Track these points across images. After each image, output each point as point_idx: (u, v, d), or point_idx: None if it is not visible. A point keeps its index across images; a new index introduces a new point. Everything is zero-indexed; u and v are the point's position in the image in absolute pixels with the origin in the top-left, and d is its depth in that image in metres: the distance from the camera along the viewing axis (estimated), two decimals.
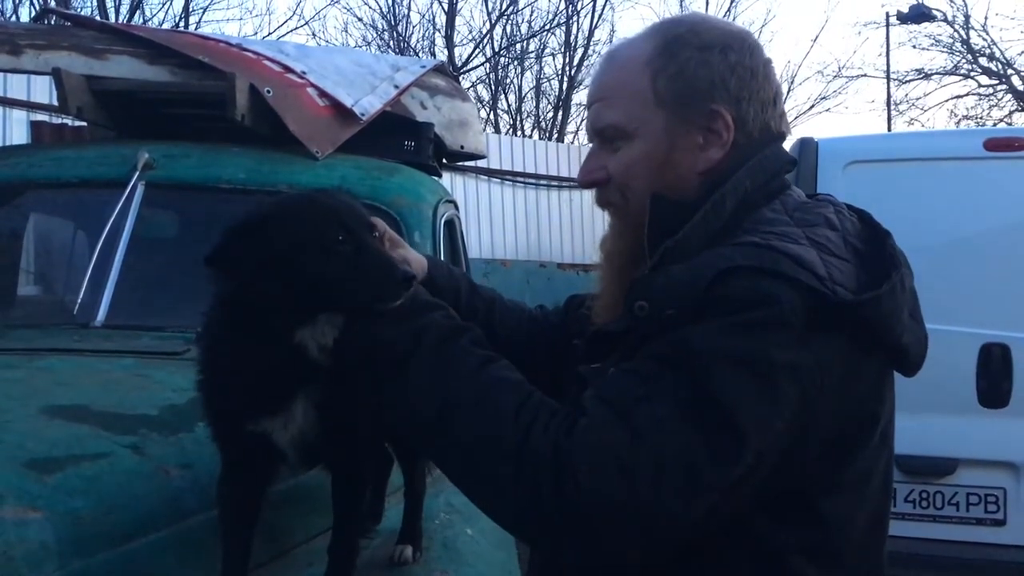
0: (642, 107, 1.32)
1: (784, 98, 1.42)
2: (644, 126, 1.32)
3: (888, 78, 21.60)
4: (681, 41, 1.32)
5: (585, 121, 1.47)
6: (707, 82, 1.30)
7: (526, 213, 12.07)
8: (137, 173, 2.74)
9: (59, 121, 3.46)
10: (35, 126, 3.81)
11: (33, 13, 13.73)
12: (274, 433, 1.39)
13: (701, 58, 1.30)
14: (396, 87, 3.34)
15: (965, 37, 23.07)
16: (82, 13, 11.25)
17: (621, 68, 1.36)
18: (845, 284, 1.17)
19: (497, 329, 1.61)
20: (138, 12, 15.87)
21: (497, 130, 20.28)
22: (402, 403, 1.23)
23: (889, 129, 20.09)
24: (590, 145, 1.42)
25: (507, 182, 11.89)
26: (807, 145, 4.60)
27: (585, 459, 1.08)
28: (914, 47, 28.50)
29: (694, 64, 1.30)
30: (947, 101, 27.22)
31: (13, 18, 13.51)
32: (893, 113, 22.21)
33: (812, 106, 26.45)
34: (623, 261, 1.38)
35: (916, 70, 23.68)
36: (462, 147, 3.71)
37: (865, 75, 28.90)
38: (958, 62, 23.52)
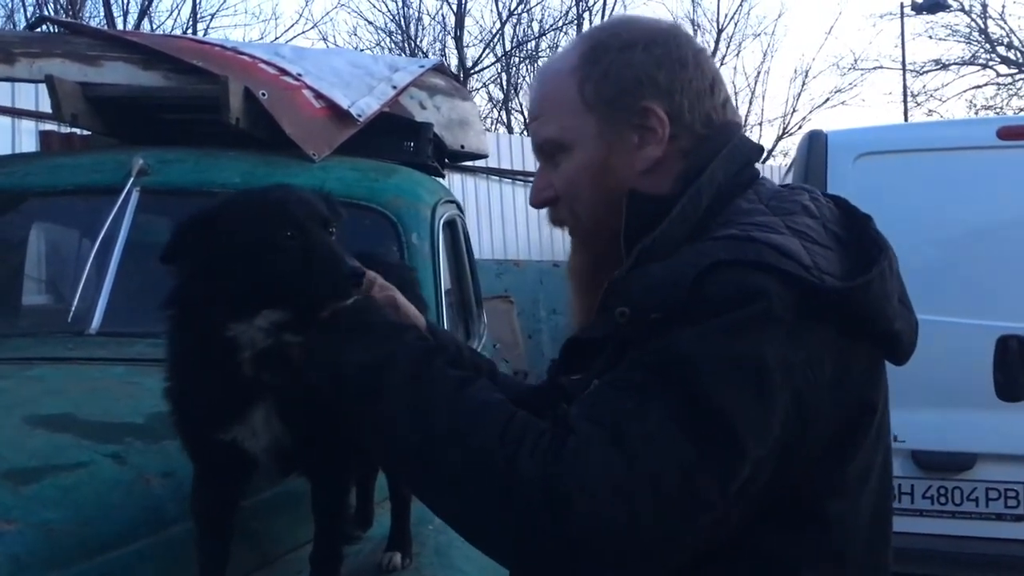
0: (573, 116, 1.29)
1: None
2: (578, 135, 1.29)
3: (904, 69, 21.44)
4: (603, 45, 1.30)
5: None
6: (632, 80, 1.27)
7: (539, 213, 11.92)
8: (132, 179, 2.73)
9: (67, 130, 3.46)
10: (43, 135, 3.82)
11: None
12: (245, 441, 1.36)
13: (624, 57, 1.28)
14: (394, 87, 3.31)
15: (983, 26, 22.88)
16: (83, 22, 11.32)
17: (550, 82, 1.35)
18: (831, 272, 1.13)
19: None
20: (145, 20, 15.96)
21: (510, 130, 20.26)
22: (375, 435, 1.18)
23: (906, 121, 19.92)
24: None
25: (520, 182, 11.85)
26: (816, 138, 4.53)
27: (578, 483, 1.02)
28: (930, 37, 28.36)
29: (618, 64, 1.28)
30: (965, 92, 26.92)
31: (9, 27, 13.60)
32: (911, 105, 22.06)
33: (827, 99, 26.29)
34: (588, 274, 1.34)
35: (933, 61, 23.55)
36: (463, 147, 3.68)
37: (881, 67, 28.59)
38: (976, 52, 23.33)
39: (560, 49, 1.39)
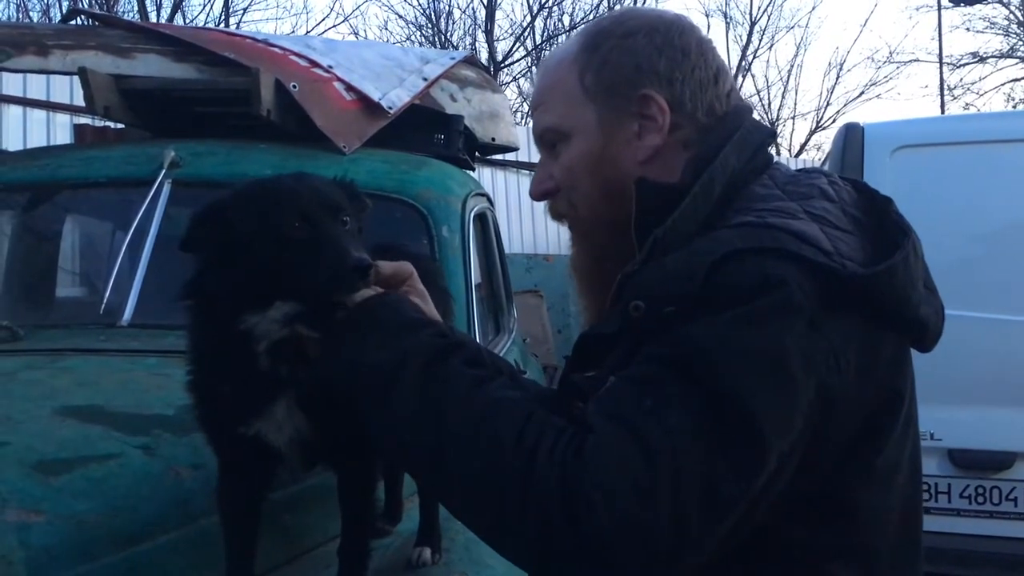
0: (573, 105, 1.28)
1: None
2: (578, 124, 1.27)
3: (941, 62, 21.10)
4: (604, 33, 1.29)
5: None
6: (632, 68, 1.25)
7: None
8: (163, 171, 2.73)
9: (102, 123, 3.48)
10: (78, 129, 3.86)
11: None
12: (268, 434, 1.34)
13: (624, 45, 1.26)
14: (424, 80, 3.30)
15: (1022, 19, 22.45)
16: (118, 13, 11.41)
17: (551, 71, 1.33)
18: (853, 257, 1.09)
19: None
20: (178, 14, 16.08)
21: None
22: (390, 434, 1.15)
23: (943, 115, 19.62)
24: None
25: None
26: (852, 131, 4.46)
27: (598, 483, 0.99)
28: (968, 30, 27.93)
29: (617, 52, 1.26)
30: (1003, 85, 26.47)
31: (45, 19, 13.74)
32: (947, 98, 21.73)
33: (861, 93, 25.96)
34: (590, 269, 1.32)
35: (970, 53, 23.17)
36: (493, 139, 3.65)
37: (917, 60, 28.37)
38: (1014, 44, 22.92)
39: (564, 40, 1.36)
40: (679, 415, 1.01)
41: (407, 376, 1.12)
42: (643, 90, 1.24)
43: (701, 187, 1.19)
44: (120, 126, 3.44)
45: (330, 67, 3.11)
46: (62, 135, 6.81)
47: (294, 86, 2.91)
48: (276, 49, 3.17)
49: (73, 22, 3.76)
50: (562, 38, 21.83)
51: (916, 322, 1.15)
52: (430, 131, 3.29)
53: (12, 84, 6.75)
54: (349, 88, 3.05)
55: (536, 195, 1.35)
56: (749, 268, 1.05)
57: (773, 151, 1.33)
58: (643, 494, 0.98)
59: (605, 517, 0.98)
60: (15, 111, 6.90)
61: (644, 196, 1.22)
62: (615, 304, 1.16)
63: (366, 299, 1.24)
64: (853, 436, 1.10)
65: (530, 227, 11.49)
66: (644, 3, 21.56)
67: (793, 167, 1.30)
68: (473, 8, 21.59)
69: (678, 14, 1.35)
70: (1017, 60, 22.91)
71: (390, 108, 3.06)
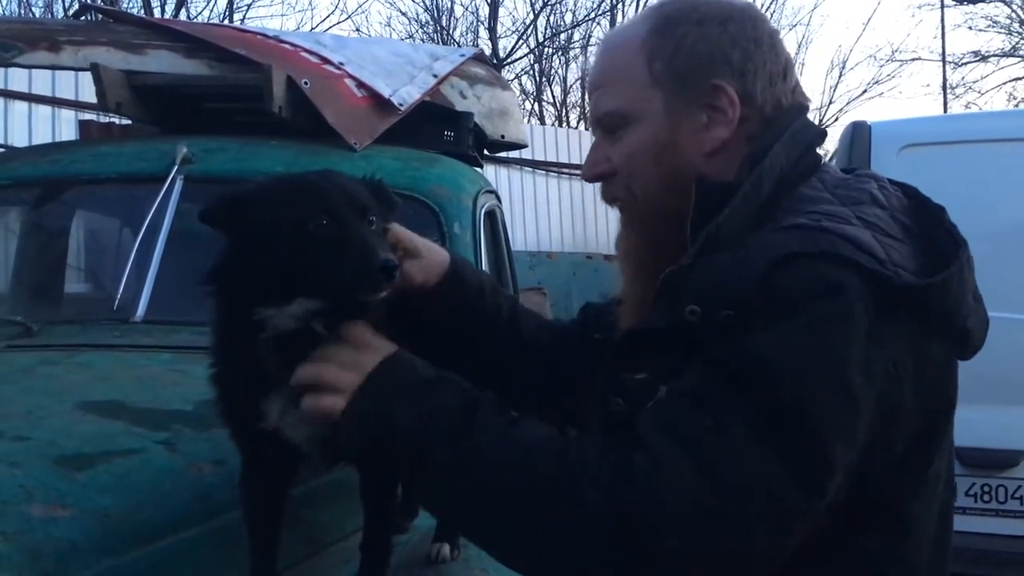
0: (640, 90, 1.24)
1: (798, 70, 1.34)
2: (643, 110, 1.24)
3: (944, 61, 21.11)
4: (677, 18, 1.25)
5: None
6: (706, 56, 1.22)
7: (572, 205, 11.97)
8: (176, 168, 2.73)
9: (107, 120, 3.48)
10: (83, 124, 3.85)
11: (74, 8, 13.90)
12: (287, 430, 1.32)
13: (698, 32, 1.23)
14: (435, 76, 3.30)
15: None
16: (124, 9, 11.40)
17: (616, 53, 1.29)
18: (905, 266, 1.08)
19: (522, 329, 1.54)
20: (183, 10, 16.05)
21: (543, 122, 20.19)
22: (433, 496, 1.15)
23: (945, 113, 19.61)
24: None
25: (552, 174, 11.80)
26: (859, 129, 4.47)
27: (660, 508, 0.97)
28: (970, 28, 27.87)
29: (691, 39, 1.23)
30: (1005, 84, 26.45)
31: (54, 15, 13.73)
32: (949, 97, 21.70)
33: (864, 91, 25.93)
34: (642, 258, 1.29)
35: (973, 52, 23.10)
36: (503, 136, 3.65)
37: (919, 58, 28.29)
38: (1016, 43, 22.88)
39: (626, 20, 1.32)
40: (741, 432, 0.99)
41: (439, 436, 1.10)
42: (714, 80, 1.22)
43: (751, 185, 1.18)
44: (126, 122, 3.44)
45: (341, 64, 3.11)
46: (67, 131, 6.80)
47: (306, 83, 2.91)
48: (287, 46, 3.17)
49: (83, 18, 3.76)
50: (564, 36, 21.84)
51: (963, 332, 1.14)
52: (440, 128, 3.29)
53: (17, 80, 6.74)
54: (360, 85, 3.05)
55: (590, 177, 1.33)
56: (806, 273, 1.04)
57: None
58: (710, 517, 0.97)
59: (672, 541, 0.97)
60: (20, 107, 6.89)
61: (703, 195, 1.20)
62: (661, 299, 1.15)
63: (381, 362, 1.19)
64: (910, 445, 1.09)
65: (533, 224, 11.49)
66: (648, 1, 21.50)
67: (823, 158, 1.29)
68: (476, 5, 21.58)
69: (748, 2, 1.32)
70: (1019, 59, 22.88)
71: (401, 105, 3.06)
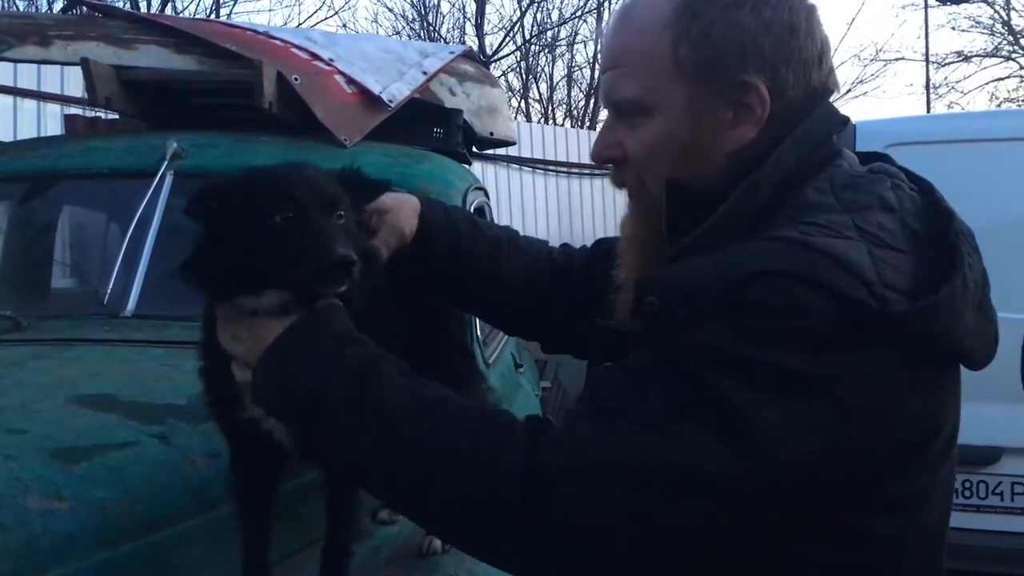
0: (661, 79, 1.13)
1: (833, 51, 1.20)
2: (664, 101, 1.14)
3: (927, 61, 21.25)
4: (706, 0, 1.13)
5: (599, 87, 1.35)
6: (737, 46, 1.10)
7: (558, 202, 12.00)
8: (166, 163, 2.73)
9: (92, 114, 3.47)
10: (68, 119, 3.83)
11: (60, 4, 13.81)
12: (262, 422, 1.32)
13: (729, 17, 1.11)
14: (424, 73, 3.31)
15: (1006, 18, 22.63)
16: (111, 4, 11.35)
17: (638, 31, 1.16)
18: (898, 285, 1.01)
19: (503, 275, 1.50)
20: (169, 5, 15.96)
21: (529, 119, 20.18)
22: (330, 442, 1.13)
23: (928, 113, 19.74)
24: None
25: (539, 171, 11.82)
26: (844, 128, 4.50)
27: (561, 460, 0.98)
28: (953, 29, 28.04)
29: (721, 25, 1.11)
30: (987, 84, 26.70)
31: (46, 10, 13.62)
32: (932, 97, 21.86)
33: (849, 90, 26.06)
34: (645, 246, 1.23)
35: (955, 52, 23.29)
36: (492, 133, 3.67)
37: (903, 58, 28.53)
38: (999, 44, 23.09)
39: None
40: (657, 401, 0.99)
41: (338, 383, 1.10)
42: (744, 76, 1.11)
43: (744, 192, 1.11)
44: (112, 116, 3.43)
45: (331, 60, 3.11)
46: (53, 125, 6.76)
47: (296, 79, 2.91)
48: (277, 42, 3.17)
49: (71, 13, 3.73)
50: (550, 33, 21.84)
51: (959, 354, 1.08)
52: (429, 124, 3.30)
53: (2, 74, 6.69)
54: (350, 81, 3.06)
55: (599, 159, 1.23)
56: (774, 290, 0.99)
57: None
58: (607, 473, 0.97)
59: (567, 489, 0.97)
60: (5, 101, 6.85)
61: (677, 203, 1.14)
62: (636, 304, 1.11)
63: (294, 322, 1.20)
64: (874, 468, 1.04)
65: (519, 221, 11.50)
66: None
67: (841, 148, 1.19)
68: (463, 2, 21.52)
69: None
70: (1001, 59, 23.09)
71: (391, 102, 3.07)
